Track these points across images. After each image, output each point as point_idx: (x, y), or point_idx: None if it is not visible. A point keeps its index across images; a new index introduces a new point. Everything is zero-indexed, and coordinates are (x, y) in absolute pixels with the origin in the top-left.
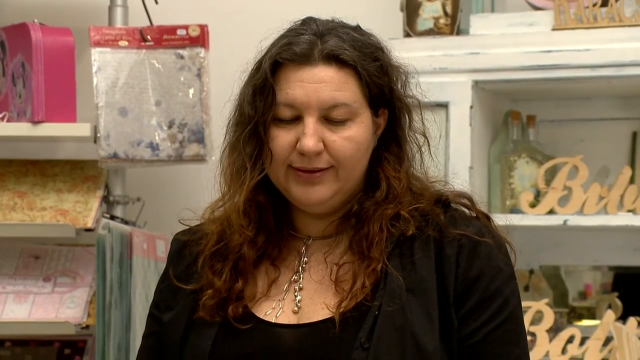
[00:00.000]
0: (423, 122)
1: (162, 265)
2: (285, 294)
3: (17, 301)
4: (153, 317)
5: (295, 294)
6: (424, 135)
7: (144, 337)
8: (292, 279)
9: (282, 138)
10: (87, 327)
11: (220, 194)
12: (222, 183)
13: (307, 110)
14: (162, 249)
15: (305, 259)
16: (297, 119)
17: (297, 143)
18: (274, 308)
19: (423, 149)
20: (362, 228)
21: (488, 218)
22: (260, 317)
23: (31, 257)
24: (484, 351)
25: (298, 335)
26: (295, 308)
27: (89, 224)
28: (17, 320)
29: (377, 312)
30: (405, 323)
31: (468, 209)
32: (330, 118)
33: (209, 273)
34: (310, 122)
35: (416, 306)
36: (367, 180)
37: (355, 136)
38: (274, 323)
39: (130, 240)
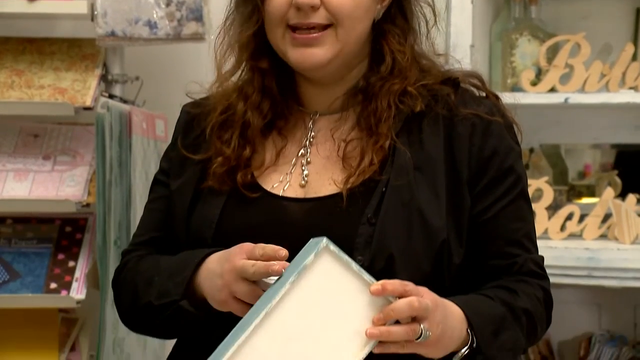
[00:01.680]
0: None
1: (162, 145)
2: (293, 167)
3: (17, 179)
4: (160, 183)
5: (303, 168)
6: (432, 7)
7: (149, 202)
8: (300, 154)
9: None
10: (88, 205)
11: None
12: (226, 54)
13: None
14: (162, 128)
15: (313, 134)
16: None
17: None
18: (281, 181)
19: (429, 25)
20: (370, 104)
21: (497, 98)
22: (268, 189)
23: (30, 136)
24: (496, 227)
25: (305, 209)
26: (303, 182)
27: (88, 103)
28: (17, 197)
29: (384, 188)
30: (412, 199)
31: (477, 88)
32: None
33: (217, 142)
34: None
35: (423, 183)
36: (372, 55)
37: None
38: (281, 196)
39: (130, 119)
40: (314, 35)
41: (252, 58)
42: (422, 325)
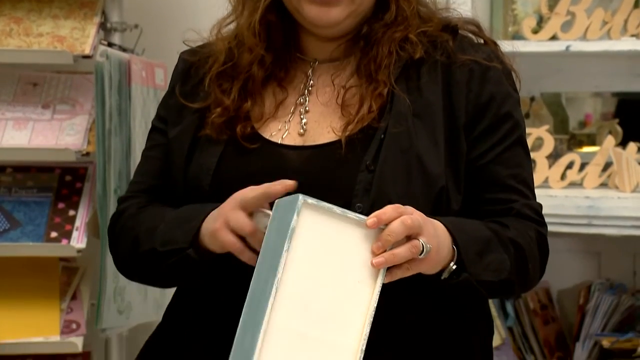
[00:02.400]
0: None
1: (161, 93)
2: (292, 116)
3: (17, 127)
4: (158, 131)
5: (301, 116)
6: None
7: (146, 150)
8: (299, 102)
9: None
10: (88, 154)
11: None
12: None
13: None
14: (161, 77)
15: (312, 81)
16: None
17: None
18: (279, 129)
19: None
20: (371, 51)
21: (495, 44)
22: (267, 137)
23: (29, 84)
24: (493, 173)
25: (304, 157)
26: (301, 130)
27: (87, 51)
28: (17, 146)
29: (382, 135)
30: (411, 146)
31: (475, 35)
32: None
33: (217, 91)
34: None
35: (422, 130)
36: (377, 3)
37: None
38: (280, 144)
39: (129, 68)
40: None
41: (265, 10)
42: (421, 240)
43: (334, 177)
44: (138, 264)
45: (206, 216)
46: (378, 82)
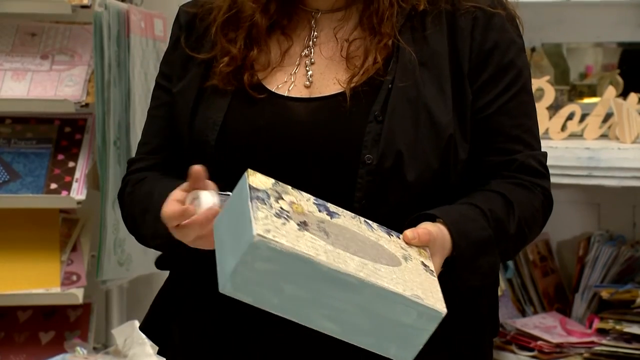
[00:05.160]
0: None
1: (161, 45)
2: (297, 68)
3: (15, 78)
4: (162, 88)
5: (307, 68)
6: None
7: (152, 109)
8: (303, 54)
9: None
10: (87, 105)
11: None
12: None
13: None
14: (160, 28)
15: (315, 33)
16: None
17: None
18: (285, 82)
19: None
20: (372, 3)
21: None
22: (273, 90)
23: (27, 35)
24: (498, 123)
25: (310, 109)
26: (307, 83)
27: (85, 1)
28: (16, 97)
29: (390, 86)
30: (419, 96)
31: None
32: None
33: (224, 41)
34: None
35: (429, 79)
36: None
37: None
38: (286, 96)
39: (128, 18)
40: None
41: None
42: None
43: (342, 128)
44: (142, 241)
45: None
46: (382, 34)
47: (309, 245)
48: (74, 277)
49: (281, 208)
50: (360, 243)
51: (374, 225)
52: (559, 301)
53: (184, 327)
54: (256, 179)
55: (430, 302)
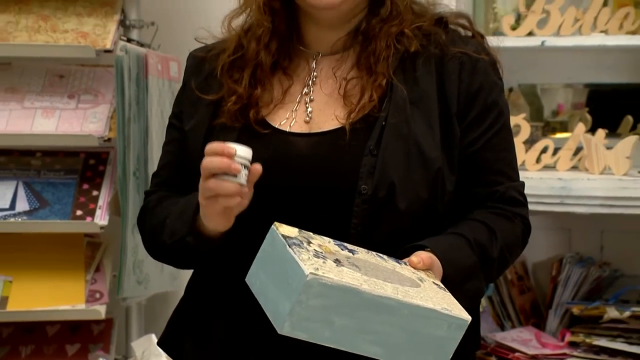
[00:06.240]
0: None
1: (176, 85)
2: (298, 105)
3: (45, 116)
4: (173, 127)
5: (307, 105)
6: None
7: (165, 145)
8: (304, 92)
9: None
10: (109, 139)
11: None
12: None
13: None
14: (175, 70)
15: (315, 73)
16: None
17: None
18: (287, 118)
19: None
20: (370, 45)
21: (482, 37)
22: (276, 126)
23: (56, 76)
24: (483, 158)
25: (310, 143)
26: (307, 118)
27: (108, 45)
28: (45, 132)
29: (384, 123)
30: (410, 132)
31: (465, 28)
32: None
33: (229, 82)
34: None
35: (419, 117)
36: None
37: None
38: (288, 132)
39: (146, 62)
40: None
41: None
42: None
43: (340, 161)
44: (160, 254)
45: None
46: (377, 73)
47: (351, 277)
48: (97, 295)
49: (315, 250)
50: (384, 272)
51: (385, 256)
52: (535, 316)
53: (196, 343)
54: (285, 229)
55: (457, 313)
